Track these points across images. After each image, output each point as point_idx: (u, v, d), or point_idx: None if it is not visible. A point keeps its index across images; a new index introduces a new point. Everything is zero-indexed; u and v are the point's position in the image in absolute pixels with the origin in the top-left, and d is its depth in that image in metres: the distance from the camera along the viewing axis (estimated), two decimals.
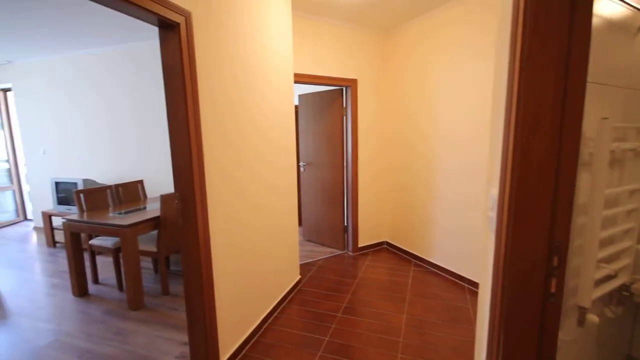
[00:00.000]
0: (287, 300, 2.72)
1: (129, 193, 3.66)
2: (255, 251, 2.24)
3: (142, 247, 2.91)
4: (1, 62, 4.90)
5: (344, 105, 3.69)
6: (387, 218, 3.95)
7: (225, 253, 1.91)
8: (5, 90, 5.33)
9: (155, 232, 2.99)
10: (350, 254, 3.79)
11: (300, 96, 4.11)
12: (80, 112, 4.64)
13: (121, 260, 2.83)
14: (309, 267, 3.44)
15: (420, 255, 3.46)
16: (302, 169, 4.21)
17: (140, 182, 3.85)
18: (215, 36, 1.78)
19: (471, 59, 2.73)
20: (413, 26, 3.30)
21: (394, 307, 2.59)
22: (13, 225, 5.43)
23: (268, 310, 2.43)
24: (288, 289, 2.78)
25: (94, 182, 4.30)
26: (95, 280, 3.19)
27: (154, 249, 2.88)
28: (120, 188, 3.57)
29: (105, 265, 3.62)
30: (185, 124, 1.60)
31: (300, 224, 4.71)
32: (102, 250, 2.99)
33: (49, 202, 4.74)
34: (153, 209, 3.15)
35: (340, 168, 3.77)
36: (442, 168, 3.10)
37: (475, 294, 2.76)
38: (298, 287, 2.96)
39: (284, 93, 2.64)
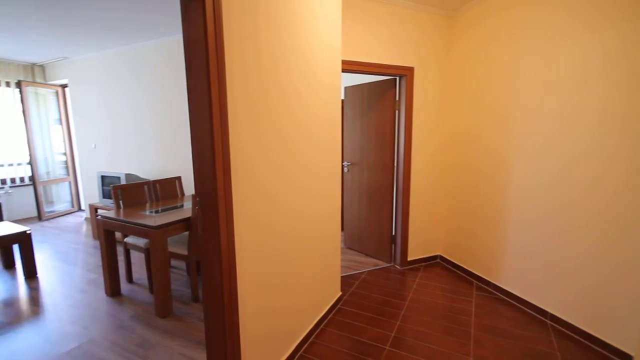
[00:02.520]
0: (325, 322, 2.36)
1: (167, 190, 3.54)
2: (288, 263, 1.90)
3: (173, 249, 2.73)
4: (58, 59, 5.13)
5: (397, 98, 3.22)
6: (442, 228, 3.41)
7: (253, 266, 1.59)
8: (63, 86, 5.60)
9: (187, 234, 2.79)
10: (398, 267, 3.32)
11: (346, 88, 3.71)
12: (127, 107, 4.69)
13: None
14: (351, 280, 3.04)
15: (485, 277, 2.89)
16: (345, 169, 3.81)
17: (178, 178, 3.73)
18: (248, 9, 1.45)
19: (560, 42, 2.13)
20: (483, 3, 2.74)
21: (456, 344, 2.10)
22: (68, 215, 5.71)
23: (303, 335, 2.08)
24: (327, 308, 2.41)
25: (137, 177, 4.29)
26: (130, 279, 3.09)
27: (185, 252, 2.68)
28: (157, 184, 3.46)
29: (142, 261, 3.55)
30: (208, 115, 1.29)
31: (341, 228, 4.34)
32: (136, 249, 2.86)
33: (97, 195, 4.87)
34: (189, 207, 2.97)
35: (390, 169, 3.32)
36: (516, 173, 2.53)
37: (564, 336, 2.17)
38: (338, 306, 2.58)
39: (330, 82, 2.26)
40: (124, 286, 2.98)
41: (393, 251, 3.43)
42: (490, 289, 2.82)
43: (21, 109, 5.03)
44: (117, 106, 4.79)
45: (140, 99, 4.50)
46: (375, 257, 3.56)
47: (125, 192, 3.10)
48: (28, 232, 3.16)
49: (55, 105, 5.68)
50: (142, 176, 4.58)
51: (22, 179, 5.38)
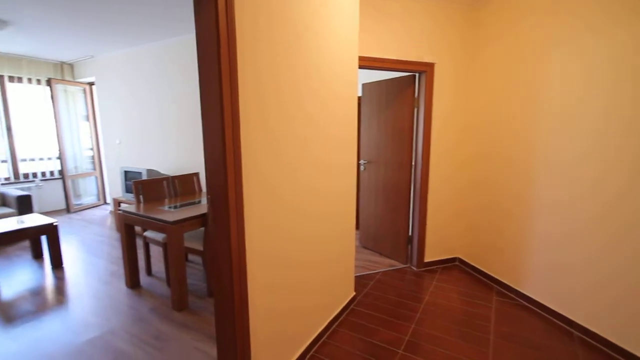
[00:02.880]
0: (337, 322, 2.33)
1: (185, 185, 3.61)
2: (300, 262, 1.88)
3: (189, 244, 2.78)
4: (85, 57, 5.32)
5: (416, 95, 3.13)
6: (461, 230, 3.30)
7: (263, 265, 1.58)
8: (90, 84, 5.81)
9: (203, 229, 2.83)
10: (414, 269, 3.24)
11: (364, 85, 3.65)
12: (149, 104, 4.81)
13: None
14: (365, 281, 2.99)
15: (506, 282, 2.78)
16: (362, 167, 3.76)
17: (196, 174, 3.79)
18: (261, 3, 1.43)
19: (597, 38, 1.98)
20: None
21: (473, 351, 2.02)
22: (94, 208, 5.95)
23: (315, 335, 2.07)
24: (340, 308, 2.39)
25: (157, 172, 4.41)
26: (149, 272, 3.18)
27: (201, 248, 2.72)
28: (176, 180, 3.53)
29: (161, 255, 3.64)
30: (219, 113, 1.28)
31: (356, 227, 4.29)
32: (154, 243, 2.94)
33: (120, 190, 5.03)
34: (206, 203, 3.01)
35: (407, 168, 3.24)
36: (541, 175, 2.39)
37: (590, 348, 2.04)
38: (351, 306, 2.54)
39: (346, 77, 2.21)
40: (144, 279, 3.07)
41: (409, 252, 3.36)
42: (511, 295, 2.70)
43: (51, 105, 5.27)
44: (140, 103, 4.92)
45: (162, 96, 4.60)
46: (391, 257, 3.49)
47: (145, 187, 3.18)
48: (55, 224, 3.31)
49: (83, 102, 5.92)
50: (162, 172, 4.70)
51: (52, 173, 5.64)
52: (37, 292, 2.81)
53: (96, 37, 4.21)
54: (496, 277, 2.88)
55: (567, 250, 2.24)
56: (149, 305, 2.60)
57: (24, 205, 4.17)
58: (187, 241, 2.80)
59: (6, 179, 5.08)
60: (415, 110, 3.16)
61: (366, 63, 2.73)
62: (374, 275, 3.11)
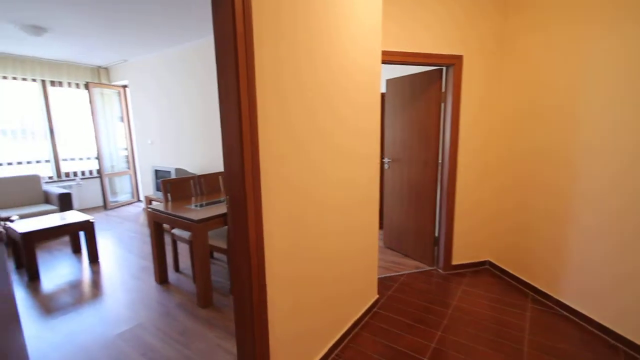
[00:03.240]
0: (360, 325, 2.28)
1: (211, 184, 3.69)
2: (322, 262, 1.85)
3: (214, 242, 2.83)
4: (119, 62, 5.58)
5: (443, 90, 2.99)
6: (492, 232, 3.13)
7: (283, 263, 1.56)
8: (124, 87, 6.09)
9: (227, 228, 2.88)
10: (441, 272, 3.11)
11: (388, 81, 3.54)
12: (177, 104, 4.96)
13: None
14: (389, 283, 2.91)
15: (542, 289, 2.59)
16: (386, 165, 3.66)
17: (221, 173, 3.86)
18: None
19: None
20: None
21: None
22: (129, 206, 6.25)
23: (337, 337, 2.03)
24: (362, 310, 2.33)
25: (185, 171, 4.54)
26: (177, 269, 3.28)
27: (225, 246, 2.76)
28: (202, 179, 3.61)
29: (188, 252, 3.75)
30: (237, 109, 1.27)
31: (380, 227, 4.21)
32: (181, 241, 3.02)
33: (152, 188, 5.25)
34: None
35: (433, 166, 3.11)
36: (583, 173, 2.20)
37: None
38: (374, 309, 2.48)
39: (369, 67, 2.14)
40: (172, 275, 3.17)
41: (436, 254, 3.23)
42: (549, 303, 2.52)
43: (89, 108, 5.58)
44: (169, 104, 5.09)
45: (189, 97, 4.73)
46: (416, 258, 3.38)
47: (173, 186, 3.28)
48: (92, 220, 3.50)
49: (118, 104, 6.22)
50: (190, 171, 4.84)
51: (90, 172, 5.99)
52: (74, 285, 2.98)
53: (128, 41, 4.39)
54: (531, 283, 2.70)
55: (615, 258, 2.05)
56: (176, 301, 2.68)
57: (65, 202, 4.44)
58: (212, 239, 2.85)
59: (50, 177, 5.45)
60: (442, 106, 3.02)
61: (390, 58, 2.64)
62: (398, 277, 3.02)
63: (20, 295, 2.80)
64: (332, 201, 1.88)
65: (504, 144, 2.94)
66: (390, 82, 3.52)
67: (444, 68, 2.96)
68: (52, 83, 5.38)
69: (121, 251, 3.85)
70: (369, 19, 2.09)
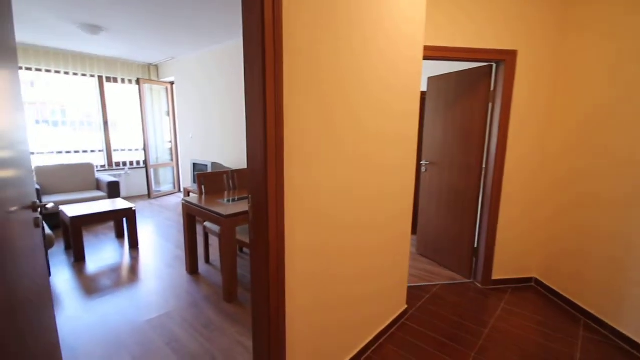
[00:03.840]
0: (386, 336, 2.15)
1: (243, 179, 3.73)
2: (346, 265, 1.75)
3: (243, 237, 2.84)
4: (167, 59, 5.86)
5: (492, 88, 2.74)
6: (540, 246, 2.82)
7: (304, 261, 1.49)
8: (171, 83, 6.40)
9: None
10: (479, 285, 2.87)
11: (429, 79, 3.33)
12: (216, 100, 5.11)
13: None
14: (420, 293, 2.74)
15: (597, 315, 2.28)
16: (423, 168, 3.45)
17: None
18: None
19: None
20: None
21: None
22: (170, 196, 6.58)
23: (360, 347, 1.93)
24: (389, 321, 2.20)
25: (221, 165, 4.66)
26: (207, 260, 3.36)
27: None
28: (235, 174, 3.66)
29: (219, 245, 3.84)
30: (262, 108, 1.21)
31: (413, 232, 4.00)
32: (212, 234, 3.08)
33: (190, 180, 5.47)
34: None
35: (476, 171, 2.86)
36: None
37: None
38: (402, 321, 2.33)
39: (408, 70, 2.00)
40: (202, 266, 3.25)
41: (474, 265, 2.99)
42: (604, 332, 2.21)
43: (139, 102, 5.93)
44: (208, 100, 5.26)
45: (227, 93, 4.84)
46: (452, 269, 3.15)
47: (207, 179, 3.35)
48: (133, 208, 3.69)
49: (165, 99, 6.56)
50: (226, 165, 4.96)
51: (138, 162, 6.38)
52: (114, 269, 3.16)
53: (176, 40, 4.58)
54: (584, 307, 2.38)
55: None
56: (203, 292, 2.73)
57: (113, 190, 4.76)
58: (240, 234, 2.87)
59: (102, 166, 5.89)
60: (490, 106, 2.77)
61: (432, 53, 2.46)
62: (430, 287, 2.83)
63: (66, 275, 3.02)
64: (362, 211, 1.77)
65: (558, 149, 2.63)
66: (432, 80, 3.31)
67: (494, 64, 2.70)
68: (108, 79, 5.80)
69: (159, 239, 4.04)
70: (410, 11, 1.94)
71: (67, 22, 3.81)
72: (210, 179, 3.38)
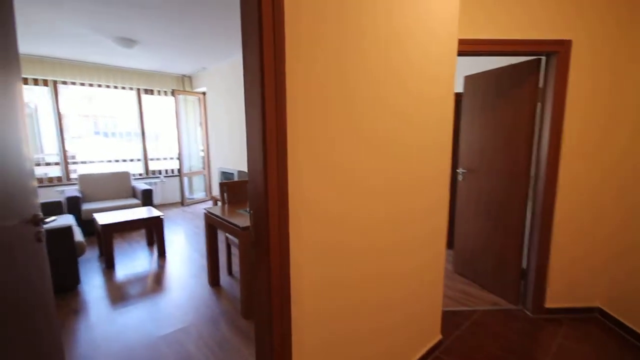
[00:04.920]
0: None
1: None
2: (370, 296, 1.53)
3: None
4: (199, 70, 6.01)
5: (541, 85, 2.39)
6: (605, 270, 2.38)
7: (316, 292, 1.29)
8: (203, 94, 6.56)
9: None
10: (529, 314, 2.48)
11: (466, 79, 3.02)
12: (241, 109, 5.11)
13: None
14: (457, 319, 2.42)
15: None
16: (459, 176, 3.12)
17: None
18: None
19: None
20: None
21: None
22: (202, 203, 6.70)
23: None
24: (420, 354, 1.93)
25: (247, 173, 4.62)
26: (229, 272, 3.28)
27: None
28: None
29: None
30: (260, 108, 1.05)
31: (449, 245, 3.65)
32: (234, 245, 2.99)
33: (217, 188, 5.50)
34: None
35: (523, 179, 2.51)
36: None
37: None
38: (435, 353, 2.04)
39: (439, 69, 1.76)
40: (224, 278, 3.16)
41: (522, 290, 2.60)
42: None
43: (174, 113, 6.13)
44: (237, 108, 5.28)
45: None
46: (495, 292, 2.78)
47: (229, 188, 3.29)
48: (161, 217, 3.73)
49: (198, 109, 6.74)
50: None
51: (172, 171, 6.59)
52: (140, 278, 3.17)
53: (206, 50, 4.66)
54: None
55: None
56: (222, 307, 2.62)
57: (147, 197, 4.90)
58: None
59: (139, 174, 6.14)
60: (539, 105, 2.41)
61: (468, 48, 2.18)
62: (469, 313, 2.50)
63: (96, 282, 3.08)
64: (386, 233, 1.55)
65: (628, 156, 2.21)
66: (469, 80, 3.00)
67: (543, 58, 2.36)
68: (145, 91, 6.06)
69: (187, 247, 4.05)
70: (440, 1, 1.70)
71: (103, 37, 3.99)
72: (233, 188, 3.32)
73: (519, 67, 2.49)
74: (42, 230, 1.36)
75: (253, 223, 1.18)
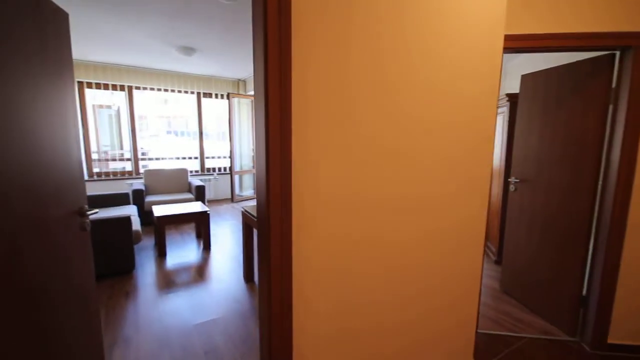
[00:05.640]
0: None
1: None
2: (383, 314, 1.45)
3: None
4: (252, 74, 6.30)
5: (614, 84, 2.05)
6: None
7: (325, 328, 1.26)
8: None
9: None
10: (586, 348, 2.14)
11: (523, 78, 2.72)
12: None
13: None
14: (497, 345, 2.18)
15: None
16: (512, 187, 2.82)
17: None
18: None
19: None
20: None
21: None
22: (251, 200, 7.03)
23: None
24: None
25: None
26: None
27: None
28: None
29: None
30: (264, 109, 1.06)
31: (498, 260, 3.33)
32: None
33: None
34: None
35: (587, 194, 2.17)
36: None
37: None
38: None
39: (479, 69, 1.60)
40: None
41: (581, 319, 2.26)
42: None
43: (228, 114, 6.53)
44: None
45: None
46: (547, 318, 2.45)
47: None
48: (207, 212, 3.99)
49: (251, 112, 7.08)
50: None
51: (225, 169, 7.02)
52: (186, 268, 3.42)
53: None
54: None
55: None
56: (253, 303, 2.71)
57: (199, 193, 5.29)
58: None
59: (196, 171, 6.65)
60: (610, 108, 2.07)
61: (519, 44, 1.95)
62: (512, 339, 2.24)
63: (149, 269, 3.40)
64: (400, 235, 1.46)
65: None
66: (526, 79, 2.69)
67: (617, 53, 2.02)
68: (204, 94, 6.55)
69: (230, 242, 4.28)
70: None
71: (168, 46, 4.39)
72: None
73: (586, 64, 2.17)
74: (87, 220, 1.53)
75: (258, 215, 1.19)
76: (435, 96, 1.46)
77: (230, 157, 6.61)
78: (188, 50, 4.53)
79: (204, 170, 6.75)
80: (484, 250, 3.95)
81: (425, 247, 1.55)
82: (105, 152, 5.87)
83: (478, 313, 1.89)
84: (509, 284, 2.85)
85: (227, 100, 6.72)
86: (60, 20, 1.37)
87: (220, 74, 6.35)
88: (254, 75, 1.16)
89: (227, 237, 4.47)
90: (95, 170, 5.64)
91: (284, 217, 1.13)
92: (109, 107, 5.94)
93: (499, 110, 3.62)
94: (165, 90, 6.09)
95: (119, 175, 5.84)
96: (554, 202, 2.41)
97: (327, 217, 1.24)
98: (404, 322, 1.53)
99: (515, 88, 3.28)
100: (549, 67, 2.48)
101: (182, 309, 2.59)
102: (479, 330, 2.31)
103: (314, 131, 1.17)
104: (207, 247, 4.03)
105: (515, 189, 2.79)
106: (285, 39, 1.04)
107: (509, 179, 2.84)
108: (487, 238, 3.99)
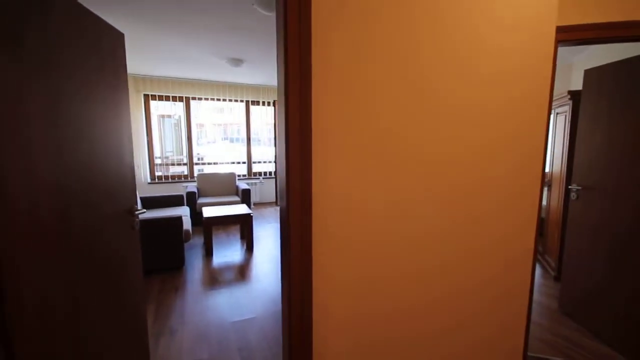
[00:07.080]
0: None
1: None
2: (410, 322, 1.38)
3: None
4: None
5: None
6: None
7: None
8: None
9: None
10: None
11: (587, 72, 2.43)
12: None
13: None
14: None
15: None
16: (573, 195, 2.52)
17: None
18: None
19: None
20: None
21: None
22: None
23: None
24: None
25: None
26: None
27: None
28: None
29: None
30: (285, 108, 1.09)
31: (557, 276, 2.99)
32: None
33: None
34: None
35: None
36: None
37: None
38: None
39: (524, 65, 1.47)
40: None
41: None
42: None
43: (273, 121, 6.78)
44: None
45: None
46: (616, 347, 2.12)
47: None
48: (250, 214, 4.17)
49: None
50: None
51: (270, 173, 7.27)
52: (229, 268, 3.60)
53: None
54: None
55: None
56: None
57: (245, 196, 5.55)
58: None
59: (243, 175, 6.99)
60: None
61: (574, 36, 1.75)
62: None
63: (197, 266, 3.64)
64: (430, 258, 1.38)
65: None
66: (590, 74, 2.40)
67: None
68: (252, 102, 6.88)
69: (273, 244, 4.41)
70: None
71: (218, 58, 4.71)
72: None
73: None
74: (137, 219, 1.69)
75: (280, 219, 1.21)
76: (466, 118, 1.36)
77: (275, 162, 6.84)
78: (236, 61, 4.80)
79: (250, 174, 7.07)
80: (541, 265, 3.56)
81: (465, 270, 1.45)
82: (167, 158, 6.45)
83: (528, 333, 1.71)
84: (570, 304, 2.54)
85: (273, 107, 7.00)
86: (115, 38, 1.55)
87: (266, 83, 6.62)
88: (277, 82, 1.19)
89: (269, 239, 4.62)
90: (158, 174, 6.21)
91: (304, 222, 1.14)
92: (169, 116, 6.54)
93: (560, 110, 3.27)
94: (218, 99, 6.52)
95: (176, 178, 6.36)
96: (626, 214, 2.10)
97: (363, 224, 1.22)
98: (439, 330, 1.44)
99: (580, 86, 2.95)
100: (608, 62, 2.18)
101: (222, 306, 2.73)
102: (529, 354, 2.08)
103: (335, 134, 1.17)
104: (249, 248, 4.20)
105: (577, 197, 2.48)
106: (305, 49, 1.06)
107: (569, 187, 2.54)
108: (545, 251, 3.60)
